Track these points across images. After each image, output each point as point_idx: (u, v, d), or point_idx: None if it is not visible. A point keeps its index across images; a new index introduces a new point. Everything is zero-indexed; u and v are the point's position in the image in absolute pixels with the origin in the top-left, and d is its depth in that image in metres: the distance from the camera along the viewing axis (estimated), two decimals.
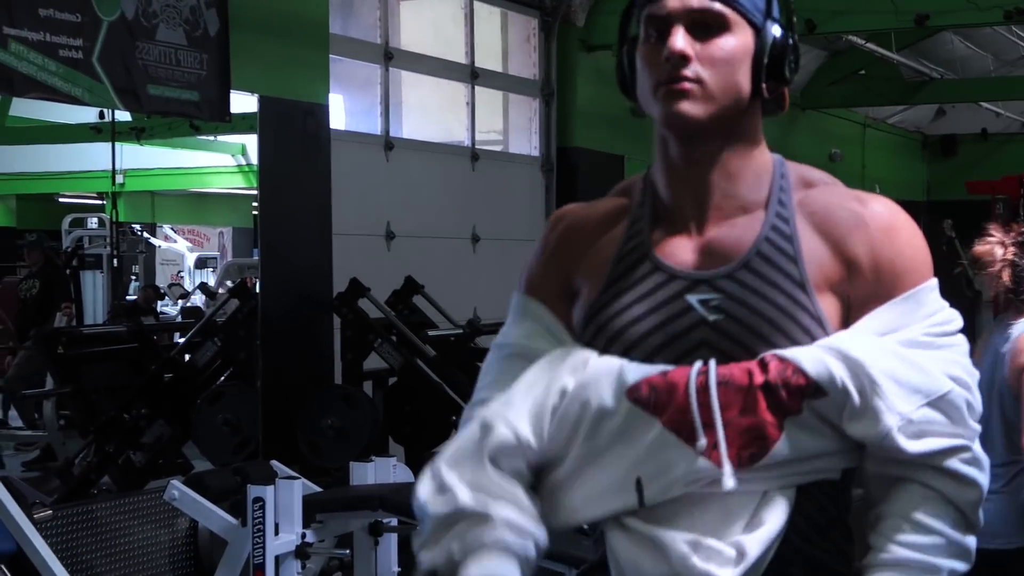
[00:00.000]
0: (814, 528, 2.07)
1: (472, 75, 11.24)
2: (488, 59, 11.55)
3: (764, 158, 2.14)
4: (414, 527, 6.52)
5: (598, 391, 2.06)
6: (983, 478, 2.06)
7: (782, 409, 2.00)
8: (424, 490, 2.13)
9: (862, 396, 1.99)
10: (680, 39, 2.03)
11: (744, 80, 2.07)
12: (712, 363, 2.02)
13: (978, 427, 2.08)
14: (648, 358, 2.06)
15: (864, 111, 18.90)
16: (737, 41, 2.06)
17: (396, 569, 6.46)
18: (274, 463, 6.81)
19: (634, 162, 12.84)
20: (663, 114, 2.07)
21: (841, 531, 2.10)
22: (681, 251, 2.12)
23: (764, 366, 2.01)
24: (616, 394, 2.05)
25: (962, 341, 2.11)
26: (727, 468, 1.99)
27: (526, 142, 12.13)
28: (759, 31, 2.07)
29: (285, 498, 5.95)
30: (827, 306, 2.05)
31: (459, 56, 11.19)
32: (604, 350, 2.10)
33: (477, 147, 11.29)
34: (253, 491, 5.90)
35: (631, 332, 2.09)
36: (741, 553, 2.00)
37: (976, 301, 12.88)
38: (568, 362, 2.11)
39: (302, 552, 5.97)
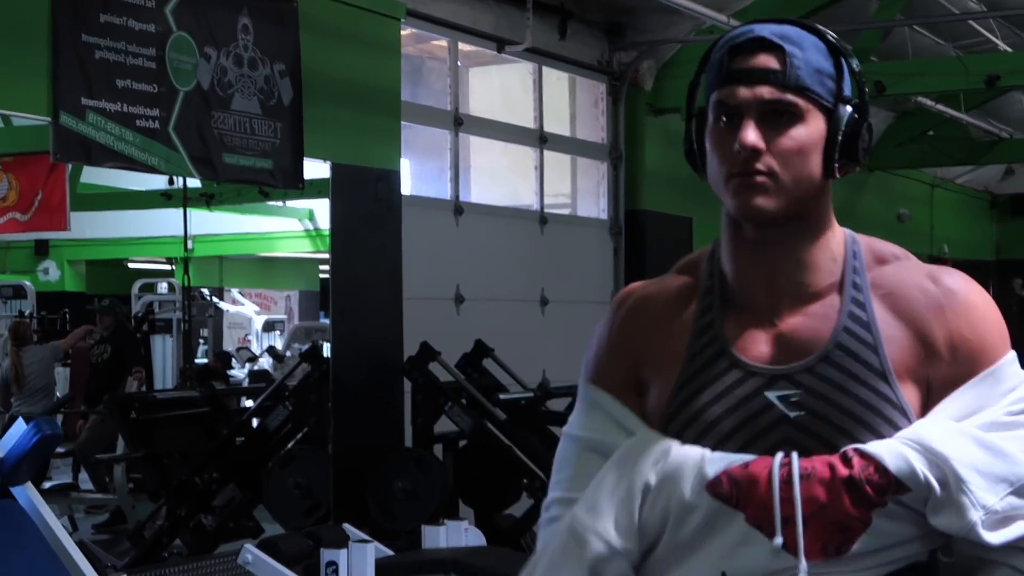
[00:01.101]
0: None
1: (540, 139, 11.29)
2: (556, 124, 11.61)
3: (837, 237, 2.11)
4: None
5: (680, 485, 2.03)
6: None
7: (867, 503, 1.97)
8: None
9: (945, 489, 1.96)
10: (752, 133, 2.01)
11: (816, 167, 2.04)
12: (795, 455, 1.99)
13: None
14: None
15: (932, 171, 18.82)
16: (809, 130, 2.03)
17: None
18: (346, 526, 6.82)
19: (702, 224, 12.84)
20: (736, 206, 2.05)
21: None
22: (756, 343, 2.08)
23: (847, 461, 1.98)
24: (696, 489, 2.02)
25: None
26: (803, 564, 1.97)
27: (594, 205, 12.16)
28: (831, 113, 2.04)
29: (358, 562, 5.95)
30: (909, 393, 2.03)
31: (527, 121, 11.25)
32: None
33: (545, 211, 11.32)
34: (326, 555, 5.91)
35: (712, 434, 2.05)
36: None
37: None
38: (649, 455, 2.07)
39: None
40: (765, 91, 2.02)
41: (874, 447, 1.98)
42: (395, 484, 8.33)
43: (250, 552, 6.25)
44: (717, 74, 2.07)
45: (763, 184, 2.01)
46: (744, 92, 2.03)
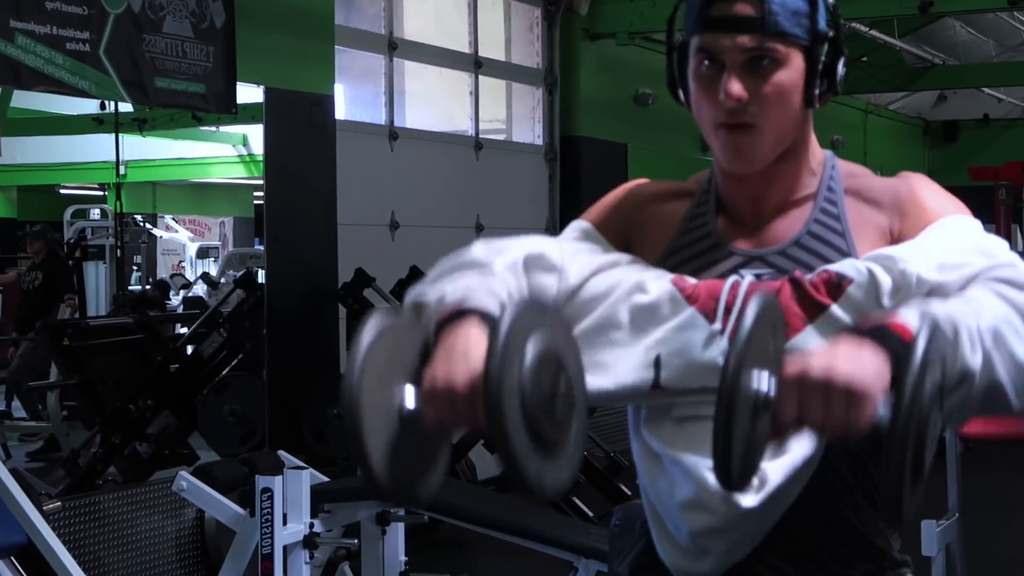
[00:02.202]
0: (844, 457, 2.07)
1: (476, 64, 11.24)
2: (491, 48, 11.55)
3: (817, 157, 2.22)
4: (421, 516, 6.55)
5: (641, 273, 2.14)
6: None
7: (808, 303, 2.02)
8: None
9: (890, 273, 2.00)
10: (735, 84, 2.08)
11: (797, 105, 2.13)
12: (749, 273, 2.11)
13: None
14: None
15: (866, 98, 18.90)
16: (789, 72, 2.11)
17: (403, 559, 6.46)
18: (281, 453, 6.82)
19: (637, 149, 12.86)
20: (722, 153, 2.13)
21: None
22: (740, 235, 2.19)
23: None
24: (658, 277, 2.12)
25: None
26: (717, 325, 2.04)
27: (529, 131, 12.13)
28: (809, 51, 2.11)
29: (293, 488, 5.95)
30: None
31: (462, 46, 11.19)
32: None
33: (481, 136, 11.29)
34: (261, 481, 5.90)
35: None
36: (763, 480, 2.00)
37: None
38: (625, 257, 2.19)
39: (310, 542, 5.97)
40: (746, 40, 2.08)
41: (820, 268, 2.07)
42: (330, 411, 8.34)
43: (185, 479, 6.24)
44: (697, 17, 2.13)
45: (749, 138, 2.10)
46: (725, 41, 2.09)
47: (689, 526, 2.05)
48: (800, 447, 2.01)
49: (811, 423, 1.80)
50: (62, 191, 18.34)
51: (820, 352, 1.82)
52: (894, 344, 1.81)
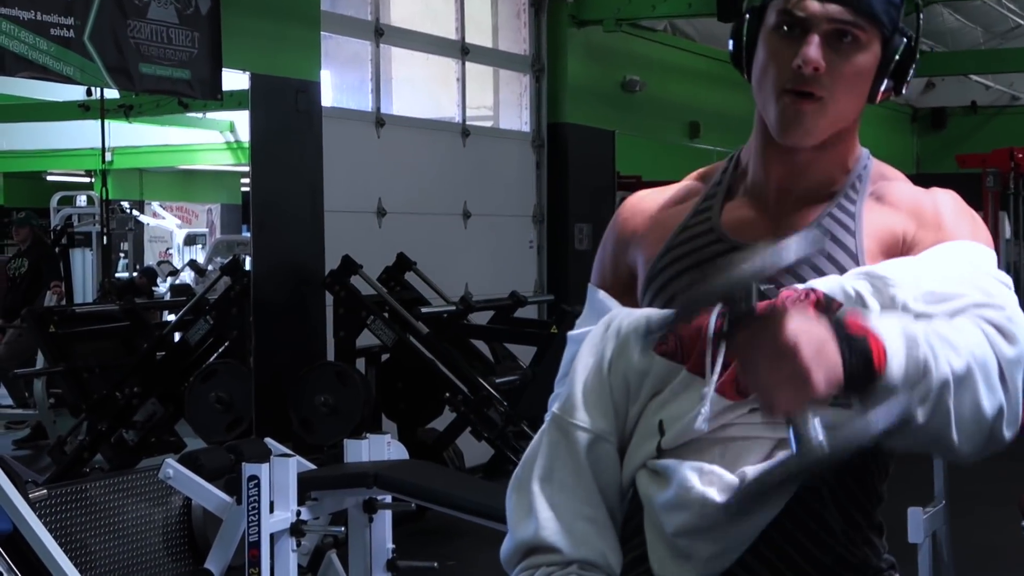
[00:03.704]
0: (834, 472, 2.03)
1: (462, 51, 11.22)
2: (478, 35, 11.53)
3: (854, 153, 2.17)
4: (408, 504, 6.54)
5: (631, 352, 2.08)
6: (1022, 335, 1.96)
7: None
8: (511, 505, 2.14)
9: (880, 295, 1.96)
10: (815, 48, 2.02)
11: (864, 94, 2.10)
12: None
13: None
14: None
15: None
16: (867, 57, 2.06)
17: (390, 546, 6.45)
18: (268, 441, 6.81)
19: (624, 137, 12.84)
20: (780, 118, 2.06)
21: (864, 475, 2.07)
22: (748, 226, 2.13)
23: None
24: (645, 351, 2.06)
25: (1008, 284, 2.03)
26: (706, 409, 1.98)
27: (516, 118, 12.11)
28: (887, 41, 2.08)
29: (280, 476, 5.94)
30: None
31: (449, 32, 11.17)
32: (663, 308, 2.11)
33: (468, 123, 11.27)
34: (248, 469, 5.89)
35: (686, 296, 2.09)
36: (741, 479, 1.98)
37: None
38: (610, 331, 2.12)
39: (297, 529, 5.96)
40: (836, 10, 2.03)
41: (811, 282, 2.01)
42: (317, 398, 8.33)
43: (171, 467, 6.23)
44: None
45: (813, 109, 2.04)
46: (815, 6, 2.03)
47: (670, 527, 2.03)
48: (783, 455, 1.97)
49: (750, 371, 1.81)
50: (48, 178, 18.27)
51: (797, 319, 1.78)
52: (859, 367, 1.80)
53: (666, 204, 2.24)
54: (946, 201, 2.12)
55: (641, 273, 2.19)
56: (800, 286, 2.01)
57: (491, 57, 11.81)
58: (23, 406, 11.81)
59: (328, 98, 9.65)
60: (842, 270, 2.04)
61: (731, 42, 2.16)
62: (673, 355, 2.05)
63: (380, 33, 10.21)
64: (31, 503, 5.58)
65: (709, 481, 1.99)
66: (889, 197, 2.13)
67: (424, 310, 8.95)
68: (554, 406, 2.15)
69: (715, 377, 1.98)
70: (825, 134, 2.07)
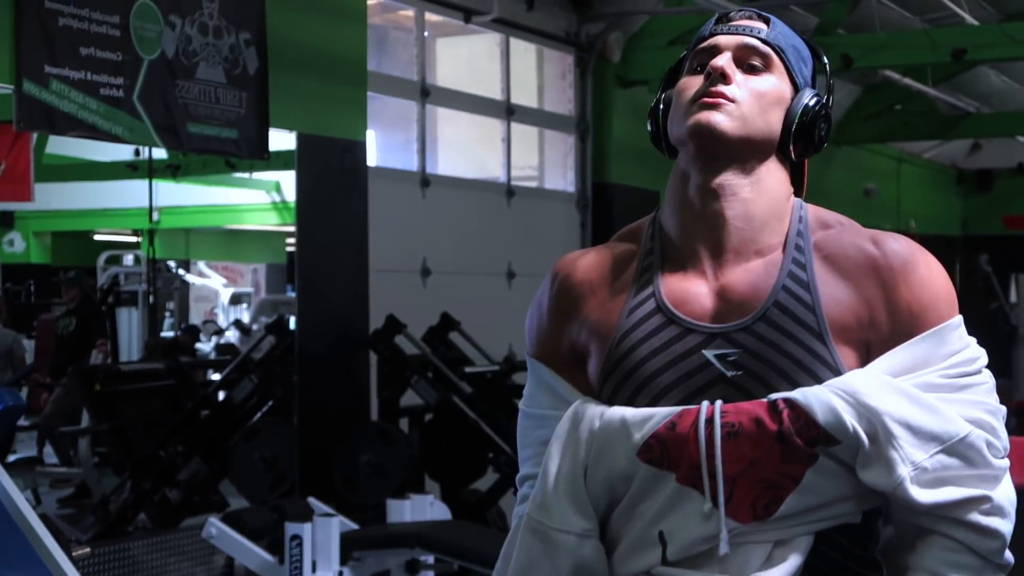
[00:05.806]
0: (834, 568, 2.03)
1: (508, 111, 11.25)
2: (524, 95, 11.57)
3: (786, 203, 2.12)
4: (451, 565, 6.51)
5: (613, 456, 2.04)
6: (1006, 526, 2.01)
7: (797, 457, 1.96)
8: None
9: (874, 443, 1.95)
10: (724, 59, 2.07)
11: (775, 123, 2.09)
12: (717, 408, 1.99)
13: (1004, 464, 2.02)
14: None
15: (899, 146, 18.84)
16: (777, 84, 2.09)
17: None
18: (311, 500, 6.81)
19: None
20: (692, 123, 2.06)
21: (864, 565, 2.05)
22: (696, 300, 2.07)
23: (776, 413, 1.97)
24: (628, 456, 2.03)
25: (987, 379, 2.06)
26: (724, 534, 1.97)
27: (561, 178, 12.13)
28: (797, 91, 2.11)
29: (323, 536, 5.94)
30: (846, 355, 2.02)
31: (495, 93, 11.21)
32: (628, 403, 2.06)
33: (512, 183, 11.29)
34: (291, 528, 5.89)
35: (648, 390, 2.04)
36: None
37: (1013, 336, 12.82)
38: (581, 430, 2.07)
39: None
40: (746, 39, 2.09)
41: (803, 395, 1.97)
42: (361, 458, 8.31)
43: (214, 526, 6.24)
44: (699, 39, 2.13)
45: (725, 106, 2.05)
46: (724, 39, 2.10)
47: None
48: (792, 561, 1.99)
49: None
50: (96, 237, 18.43)
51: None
52: None
53: (602, 273, 2.18)
54: (901, 261, 2.06)
55: (595, 356, 2.12)
56: (774, 396, 1.99)
57: (536, 117, 11.84)
58: (68, 464, 11.84)
59: (374, 158, 9.69)
60: (808, 350, 2.00)
61: (648, 122, 2.18)
62: (659, 463, 2.02)
63: (426, 93, 10.25)
64: (75, 562, 5.57)
65: None
66: (838, 257, 2.07)
67: (468, 370, 8.94)
68: (531, 508, 2.12)
69: (722, 499, 1.97)
70: (739, 142, 2.05)
